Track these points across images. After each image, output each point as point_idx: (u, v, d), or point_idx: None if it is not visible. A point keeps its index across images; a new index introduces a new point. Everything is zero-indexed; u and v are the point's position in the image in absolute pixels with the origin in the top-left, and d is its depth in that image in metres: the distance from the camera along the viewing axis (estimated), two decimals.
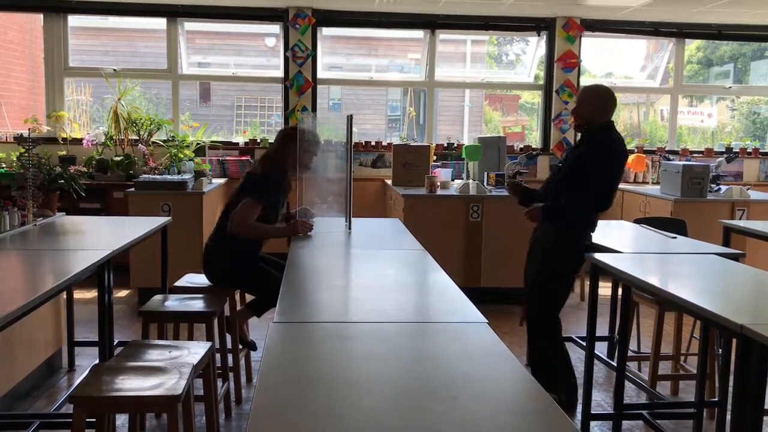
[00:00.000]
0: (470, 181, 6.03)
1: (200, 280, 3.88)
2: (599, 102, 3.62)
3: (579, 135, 3.80)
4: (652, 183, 7.25)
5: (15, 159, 5.38)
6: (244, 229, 3.69)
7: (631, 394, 3.92)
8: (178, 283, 3.84)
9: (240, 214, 3.66)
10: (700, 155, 7.73)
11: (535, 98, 8.54)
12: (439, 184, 5.94)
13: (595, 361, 3.74)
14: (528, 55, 8.19)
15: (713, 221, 5.01)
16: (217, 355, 3.45)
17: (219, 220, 3.85)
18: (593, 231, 3.70)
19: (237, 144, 7.35)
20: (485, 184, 6.13)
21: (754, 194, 6.37)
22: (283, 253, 3.37)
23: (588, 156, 3.54)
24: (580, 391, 3.54)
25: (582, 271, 4.88)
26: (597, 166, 3.51)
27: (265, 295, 3.73)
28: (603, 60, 8.55)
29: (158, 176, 6.09)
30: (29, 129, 6.52)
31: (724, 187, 6.34)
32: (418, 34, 7.66)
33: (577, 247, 3.57)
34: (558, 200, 3.63)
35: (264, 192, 3.72)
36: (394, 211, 6.21)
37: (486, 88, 9.41)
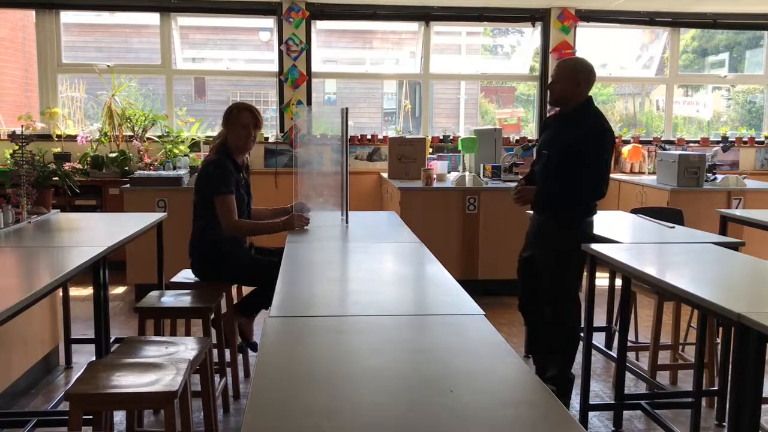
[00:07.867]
0: (466, 173, 6.02)
1: None
2: (579, 78, 3.43)
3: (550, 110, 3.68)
4: (649, 173, 7.24)
5: (9, 156, 5.36)
6: (239, 229, 3.69)
7: (629, 384, 3.92)
8: (174, 279, 3.83)
9: (224, 216, 3.61)
10: (696, 145, 7.73)
11: (531, 89, 8.52)
12: (435, 176, 5.93)
13: (593, 352, 3.74)
14: (523, 46, 8.17)
15: (710, 210, 5.01)
16: (215, 351, 3.44)
17: (193, 222, 3.78)
18: (595, 215, 3.59)
19: None
20: (481, 176, 6.13)
21: (750, 183, 6.37)
22: (280, 248, 3.35)
23: (583, 141, 3.38)
24: (578, 382, 3.54)
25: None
26: (594, 152, 3.38)
27: (263, 279, 3.58)
28: (598, 50, 8.52)
29: (153, 172, 6.07)
30: (23, 126, 6.48)
31: (720, 177, 6.34)
32: (413, 26, 7.64)
33: (583, 234, 3.48)
34: (549, 187, 3.52)
35: (223, 182, 3.63)
36: (391, 205, 6.20)
37: (481, 80, 9.39)
